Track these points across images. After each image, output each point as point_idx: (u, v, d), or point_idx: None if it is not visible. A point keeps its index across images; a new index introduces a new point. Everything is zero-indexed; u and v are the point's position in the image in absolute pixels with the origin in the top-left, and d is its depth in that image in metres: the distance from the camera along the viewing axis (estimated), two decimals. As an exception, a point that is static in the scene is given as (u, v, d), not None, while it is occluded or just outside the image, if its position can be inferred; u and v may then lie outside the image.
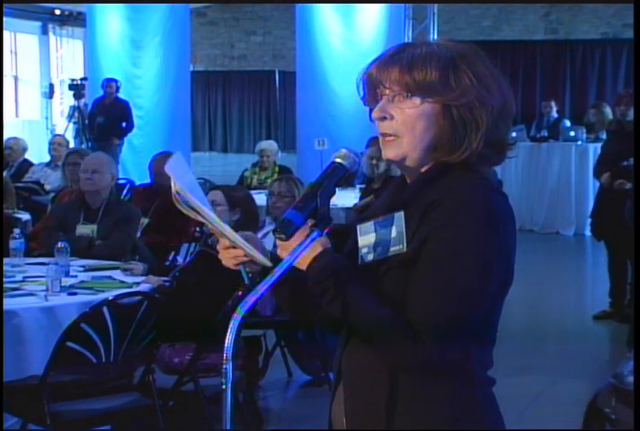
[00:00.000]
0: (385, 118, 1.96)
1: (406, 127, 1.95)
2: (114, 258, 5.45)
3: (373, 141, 9.62)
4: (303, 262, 1.90)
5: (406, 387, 1.93)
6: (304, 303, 2.03)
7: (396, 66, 1.94)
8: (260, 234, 5.33)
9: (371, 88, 2.00)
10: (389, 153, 1.98)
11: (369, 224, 2.00)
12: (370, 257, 1.96)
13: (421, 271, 1.88)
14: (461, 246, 1.85)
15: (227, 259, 2.01)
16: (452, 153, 1.94)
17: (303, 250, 1.87)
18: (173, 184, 1.92)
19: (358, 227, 2.02)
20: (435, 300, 1.85)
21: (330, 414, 2.11)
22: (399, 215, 1.94)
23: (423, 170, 1.98)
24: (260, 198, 6.49)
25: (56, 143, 9.74)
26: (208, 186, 9.51)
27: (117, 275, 4.99)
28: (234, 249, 1.99)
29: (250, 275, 2.00)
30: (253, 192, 8.88)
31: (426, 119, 1.94)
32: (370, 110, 2.03)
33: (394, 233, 1.94)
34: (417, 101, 1.94)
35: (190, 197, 1.91)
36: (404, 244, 1.91)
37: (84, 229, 5.69)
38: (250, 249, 1.97)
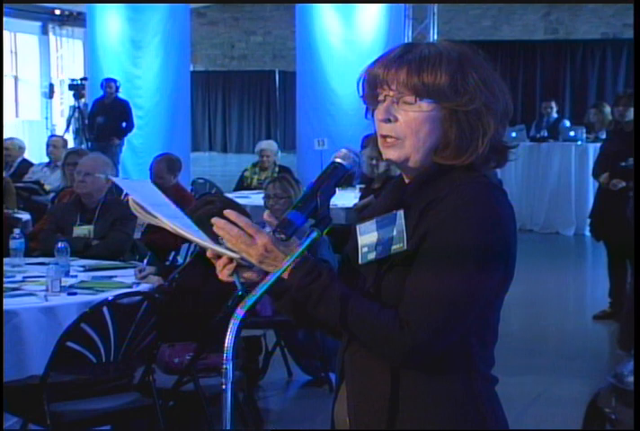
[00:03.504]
0: (389, 121, 1.95)
1: (410, 130, 1.94)
2: (112, 257, 5.46)
3: (368, 140, 9.59)
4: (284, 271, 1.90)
5: (410, 385, 1.93)
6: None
7: (404, 68, 1.93)
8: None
9: (373, 87, 1.98)
10: (391, 154, 1.97)
11: (369, 224, 2.00)
12: (371, 256, 1.96)
13: (418, 269, 1.88)
14: (461, 244, 1.85)
15: (219, 272, 1.99)
16: (458, 157, 1.94)
17: (303, 251, 1.87)
18: (129, 198, 1.99)
19: (357, 227, 2.02)
20: (432, 300, 1.84)
21: (332, 414, 2.11)
22: (399, 214, 1.94)
23: (422, 169, 1.98)
24: (260, 199, 6.50)
25: (52, 144, 9.70)
26: (208, 186, 9.53)
27: (117, 274, 4.99)
28: (219, 258, 1.97)
29: (243, 284, 1.99)
30: (253, 192, 8.96)
31: (431, 123, 1.93)
32: (367, 109, 2.03)
33: (394, 231, 1.93)
34: (424, 105, 1.93)
35: (146, 206, 1.95)
36: (405, 243, 1.91)
37: (81, 230, 5.69)
38: (222, 247, 1.94)
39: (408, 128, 1.94)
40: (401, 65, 1.93)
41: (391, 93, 1.95)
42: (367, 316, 1.87)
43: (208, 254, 1.98)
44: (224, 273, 1.97)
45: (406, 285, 1.88)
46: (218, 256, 1.96)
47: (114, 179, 2.09)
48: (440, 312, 1.84)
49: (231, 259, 1.95)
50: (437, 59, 1.92)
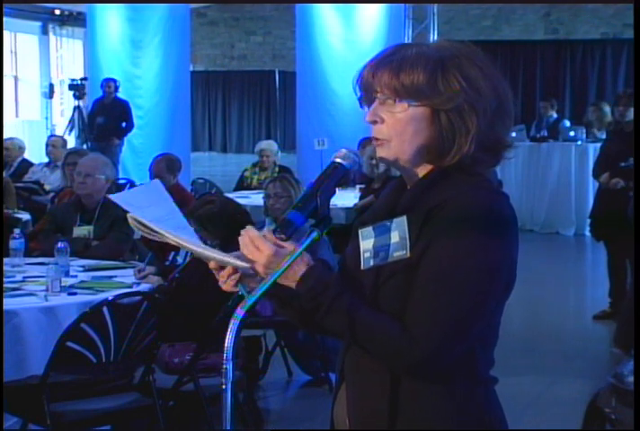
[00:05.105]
0: (376, 122, 1.96)
1: (395, 132, 1.94)
2: (112, 257, 5.46)
3: (365, 142, 9.62)
4: (292, 280, 1.89)
5: (410, 388, 1.93)
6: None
7: (386, 70, 1.93)
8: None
9: (364, 90, 1.99)
10: (381, 153, 1.98)
11: (370, 229, 1.99)
12: (373, 261, 1.95)
13: (423, 281, 1.87)
14: (465, 255, 1.84)
15: (222, 283, 1.97)
16: (441, 157, 1.93)
17: (302, 251, 1.86)
18: (128, 216, 1.96)
19: (359, 231, 2.01)
20: (439, 312, 1.84)
21: (332, 415, 2.10)
22: (401, 221, 1.93)
23: (422, 174, 1.97)
24: (260, 199, 6.50)
25: (51, 144, 9.70)
26: (208, 186, 9.54)
27: (117, 274, 4.99)
28: (222, 269, 1.96)
29: (249, 293, 1.98)
30: (253, 192, 8.96)
31: (415, 124, 1.92)
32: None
33: (396, 238, 1.92)
34: (405, 105, 1.92)
35: (147, 223, 1.93)
36: (408, 250, 1.90)
37: (81, 230, 5.69)
38: (229, 257, 1.92)
39: (393, 130, 1.94)
40: (384, 68, 1.93)
41: (378, 95, 1.95)
42: (375, 328, 1.87)
43: (211, 265, 1.97)
44: (228, 284, 1.96)
45: (411, 295, 1.87)
46: (221, 267, 1.96)
47: (112, 196, 2.05)
48: (447, 324, 1.83)
49: (235, 270, 1.94)
50: (415, 60, 1.92)
